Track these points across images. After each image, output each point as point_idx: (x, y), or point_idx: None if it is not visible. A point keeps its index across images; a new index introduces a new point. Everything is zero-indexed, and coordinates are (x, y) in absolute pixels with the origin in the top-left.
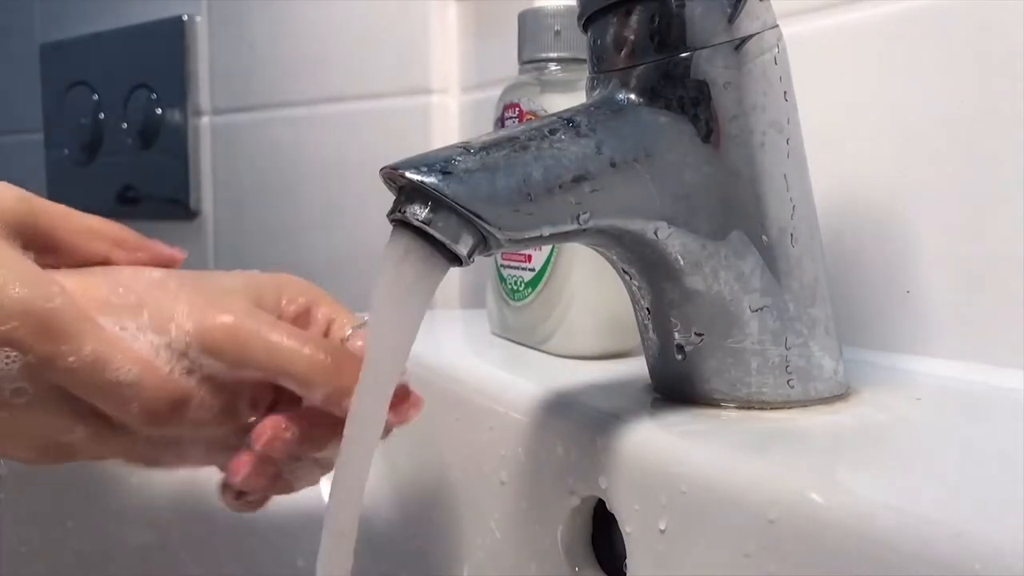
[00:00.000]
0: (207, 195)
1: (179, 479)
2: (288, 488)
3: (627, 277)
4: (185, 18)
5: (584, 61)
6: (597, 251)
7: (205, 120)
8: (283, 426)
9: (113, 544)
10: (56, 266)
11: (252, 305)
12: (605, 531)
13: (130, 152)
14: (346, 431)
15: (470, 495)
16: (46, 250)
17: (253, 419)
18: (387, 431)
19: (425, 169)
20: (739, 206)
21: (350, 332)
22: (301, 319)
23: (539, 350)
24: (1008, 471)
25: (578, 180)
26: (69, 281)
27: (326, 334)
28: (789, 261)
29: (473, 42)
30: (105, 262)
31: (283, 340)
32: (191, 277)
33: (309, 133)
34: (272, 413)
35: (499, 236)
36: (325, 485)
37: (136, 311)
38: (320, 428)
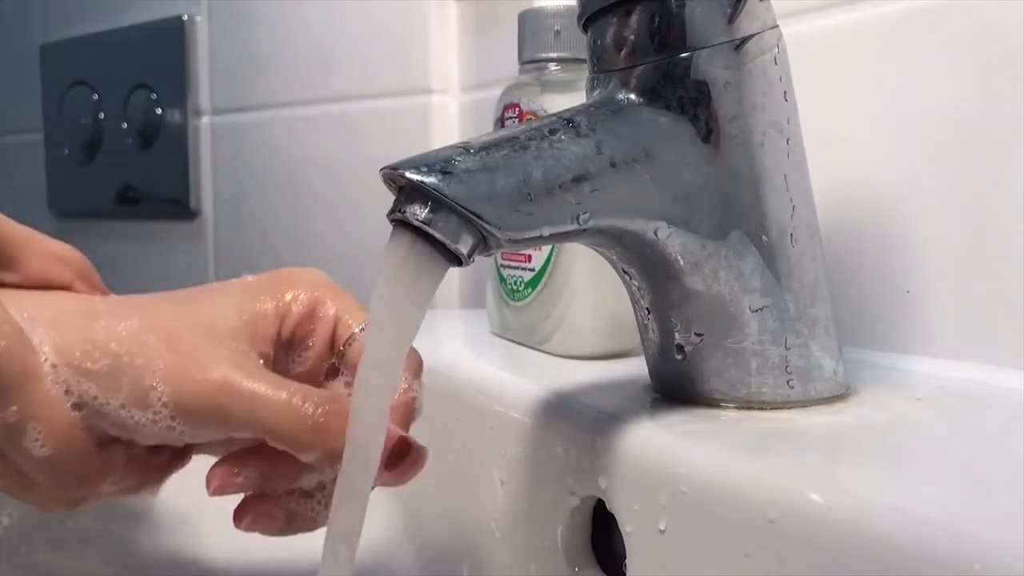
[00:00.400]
0: (207, 195)
1: (178, 481)
2: (311, 524)
3: (627, 277)
4: (185, 18)
5: (584, 61)
6: (597, 251)
7: (205, 120)
8: (233, 471)
9: (111, 543)
10: (14, 284)
11: (241, 345)
12: (605, 531)
13: (130, 152)
14: (348, 435)
15: (470, 495)
16: (5, 266)
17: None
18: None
19: (425, 169)
20: (739, 206)
21: (357, 330)
22: (306, 319)
23: (539, 350)
24: (1008, 471)
25: (578, 180)
26: (44, 332)
27: (332, 334)
28: (789, 261)
29: (473, 42)
30: (65, 288)
31: (266, 398)
32: (175, 318)
33: (309, 133)
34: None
35: (499, 236)
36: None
37: (113, 382)
38: (287, 462)
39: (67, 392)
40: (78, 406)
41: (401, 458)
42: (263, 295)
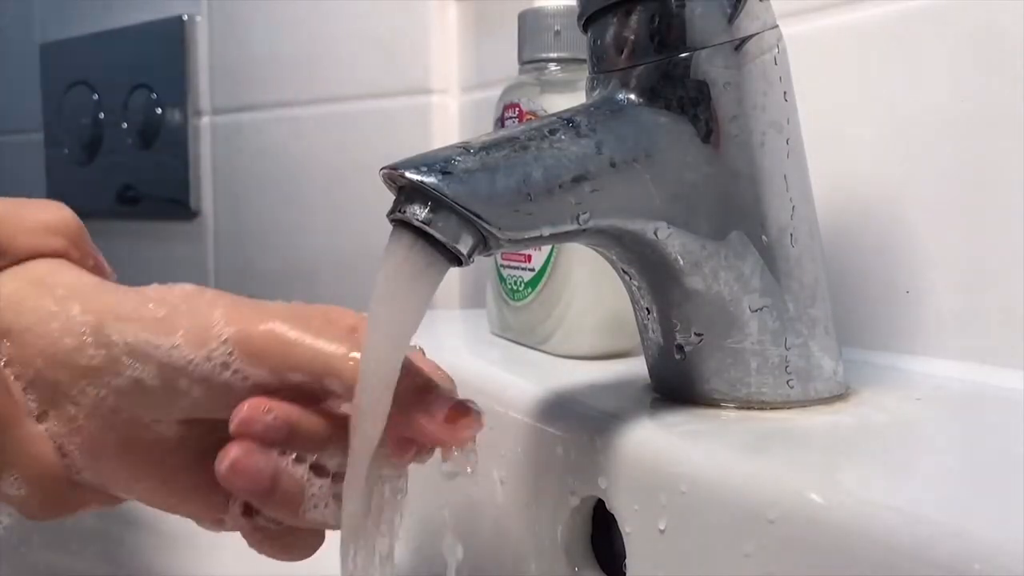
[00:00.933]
0: (207, 195)
1: None
2: (293, 503)
3: (627, 277)
4: (185, 18)
5: (584, 61)
6: (597, 251)
7: (205, 120)
8: (265, 407)
9: (111, 543)
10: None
11: (295, 314)
12: (605, 531)
13: (130, 152)
14: (351, 439)
15: (470, 495)
16: None
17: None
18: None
19: (425, 169)
20: (739, 206)
21: None
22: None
23: (539, 350)
24: (1008, 471)
25: (578, 180)
26: (88, 296)
27: None
28: (789, 261)
29: (473, 42)
30: (60, 256)
31: (330, 340)
32: (226, 295)
33: (309, 133)
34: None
35: (499, 236)
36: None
37: (168, 326)
38: (322, 423)
39: (109, 343)
40: (118, 360)
41: (455, 419)
42: (310, 312)
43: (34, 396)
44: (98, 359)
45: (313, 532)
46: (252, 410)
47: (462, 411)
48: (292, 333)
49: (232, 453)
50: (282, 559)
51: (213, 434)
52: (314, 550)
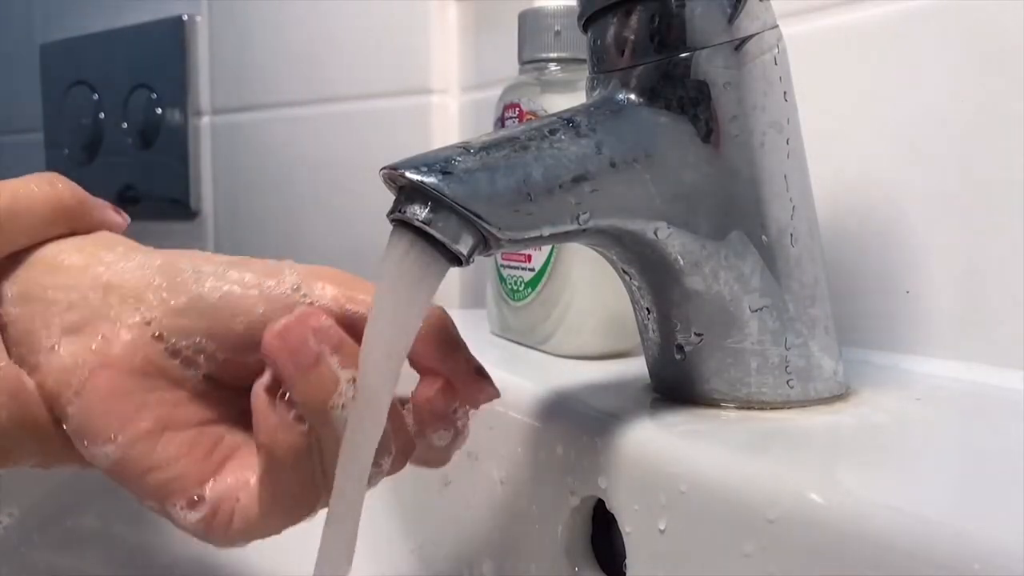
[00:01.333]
0: (207, 195)
1: None
2: (325, 390)
3: (627, 277)
4: (185, 18)
5: (584, 61)
6: (597, 251)
7: (205, 120)
8: (323, 315)
9: (111, 544)
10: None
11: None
12: (605, 531)
13: (130, 152)
14: (347, 433)
15: (470, 495)
16: None
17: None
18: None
19: (425, 169)
20: (739, 206)
21: None
22: None
23: (539, 350)
24: (1008, 471)
25: (578, 180)
26: (151, 250)
27: None
28: (789, 261)
29: (473, 42)
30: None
31: None
32: None
33: (309, 133)
34: None
35: (499, 236)
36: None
37: (239, 265)
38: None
39: (177, 270)
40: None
41: (478, 379)
42: None
43: (63, 321)
44: (158, 282)
45: (313, 490)
46: (313, 310)
47: (487, 375)
48: (352, 280)
49: (285, 320)
50: (283, 490)
51: (231, 408)
52: (312, 505)
